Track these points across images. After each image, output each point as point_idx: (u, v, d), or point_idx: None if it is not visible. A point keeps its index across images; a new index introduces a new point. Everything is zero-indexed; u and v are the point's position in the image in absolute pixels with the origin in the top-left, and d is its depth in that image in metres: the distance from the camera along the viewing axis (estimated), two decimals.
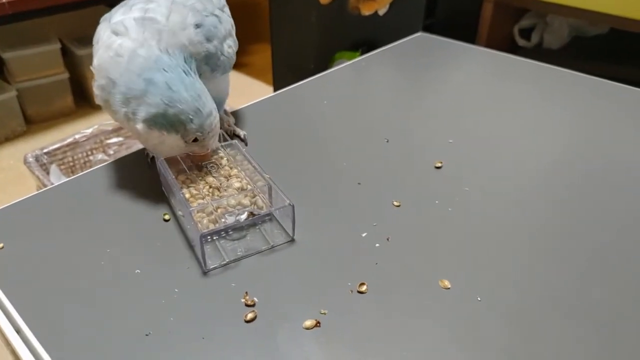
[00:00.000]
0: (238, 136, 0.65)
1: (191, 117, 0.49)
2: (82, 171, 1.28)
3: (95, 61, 0.52)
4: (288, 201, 0.48)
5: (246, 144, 0.64)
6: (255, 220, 0.52)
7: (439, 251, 0.49)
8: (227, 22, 0.59)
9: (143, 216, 0.53)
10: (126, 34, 0.51)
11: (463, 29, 1.40)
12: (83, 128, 1.29)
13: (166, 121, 0.49)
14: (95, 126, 1.29)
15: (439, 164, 0.62)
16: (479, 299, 0.44)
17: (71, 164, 1.28)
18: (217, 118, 0.52)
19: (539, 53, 1.50)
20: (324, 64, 1.43)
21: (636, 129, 0.70)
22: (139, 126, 0.50)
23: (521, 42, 1.51)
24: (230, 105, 0.71)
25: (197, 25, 0.53)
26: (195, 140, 0.51)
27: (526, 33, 1.51)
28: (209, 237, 0.50)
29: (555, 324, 0.42)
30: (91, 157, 1.31)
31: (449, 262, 0.48)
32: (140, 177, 0.59)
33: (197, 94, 0.50)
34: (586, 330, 0.42)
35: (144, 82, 0.49)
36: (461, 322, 0.42)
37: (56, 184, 0.60)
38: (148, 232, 0.51)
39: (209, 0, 0.57)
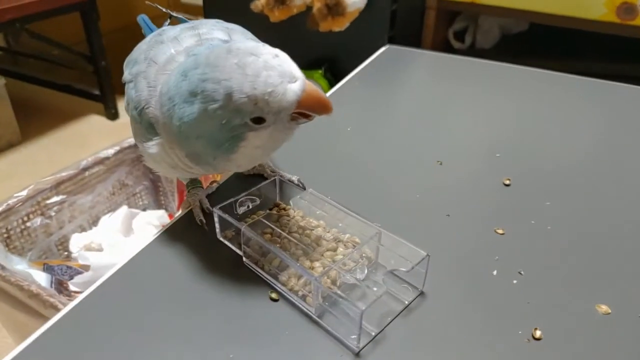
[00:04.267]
0: (291, 181, 0.56)
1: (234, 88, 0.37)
2: (19, 242, 1.09)
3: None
4: (425, 253, 0.42)
5: (304, 188, 0.56)
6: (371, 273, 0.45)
7: (588, 275, 0.46)
8: None
9: (239, 303, 0.43)
10: None
11: (410, 36, 1.41)
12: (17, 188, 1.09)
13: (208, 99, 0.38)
14: (31, 186, 1.10)
15: (507, 182, 0.59)
16: None
17: (6, 235, 1.08)
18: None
19: (474, 53, 1.55)
20: None
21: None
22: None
23: (456, 44, 1.55)
24: None
25: None
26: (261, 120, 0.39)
27: (460, 35, 1.55)
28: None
29: None
30: (29, 224, 1.11)
31: (600, 285, 0.45)
32: (206, 247, 0.49)
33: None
34: None
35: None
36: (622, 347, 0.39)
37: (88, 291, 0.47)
38: (257, 322, 0.41)
39: None
